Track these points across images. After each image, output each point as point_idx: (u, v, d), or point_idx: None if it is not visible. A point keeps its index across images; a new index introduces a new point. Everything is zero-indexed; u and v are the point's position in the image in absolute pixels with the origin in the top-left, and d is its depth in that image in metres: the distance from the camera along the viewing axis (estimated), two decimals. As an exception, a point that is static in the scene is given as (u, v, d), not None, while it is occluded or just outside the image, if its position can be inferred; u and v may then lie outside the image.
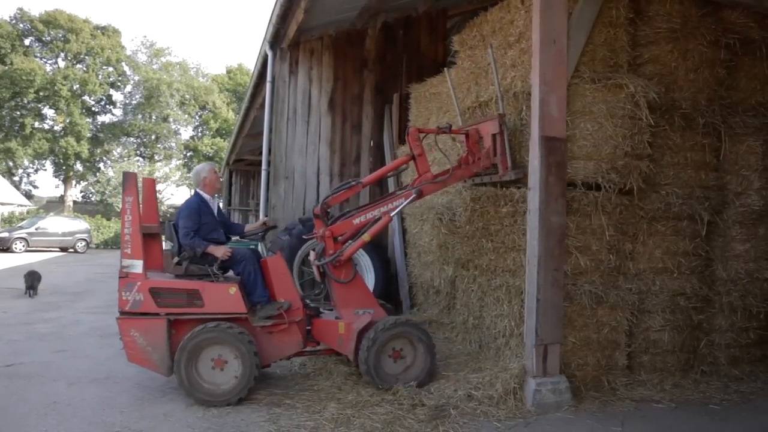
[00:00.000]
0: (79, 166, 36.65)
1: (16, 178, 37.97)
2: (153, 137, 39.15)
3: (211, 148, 39.61)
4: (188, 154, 40.39)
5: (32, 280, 9.93)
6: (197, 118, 41.23)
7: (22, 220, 26.05)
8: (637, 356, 4.82)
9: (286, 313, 4.52)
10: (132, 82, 39.09)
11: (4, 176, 34.82)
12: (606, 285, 4.65)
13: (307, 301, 5.13)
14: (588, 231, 4.63)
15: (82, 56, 35.94)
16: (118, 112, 39.11)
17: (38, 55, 35.21)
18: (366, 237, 4.63)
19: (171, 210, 31.26)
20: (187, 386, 4.22)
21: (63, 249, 23.14)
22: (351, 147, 8.71)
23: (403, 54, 8.95)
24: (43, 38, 35.18)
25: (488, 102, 5.34)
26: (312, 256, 4.89)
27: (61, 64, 36.02)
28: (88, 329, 7.04)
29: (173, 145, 40.33)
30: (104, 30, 37.20)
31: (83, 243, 23.50)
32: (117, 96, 39.82)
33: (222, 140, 39.10)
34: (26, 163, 36.78)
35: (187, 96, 39.06)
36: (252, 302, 4.54)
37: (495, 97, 5.07)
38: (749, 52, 5.21)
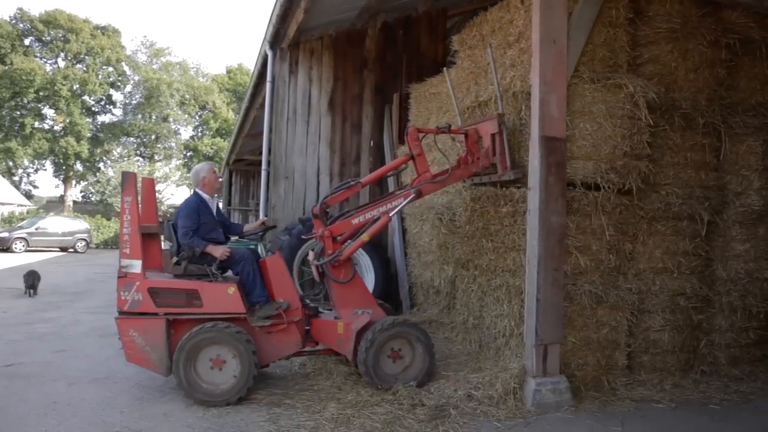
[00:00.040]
0: (79, 166, 36.67)
1: (16, 178, 37.99)
2: (153, 137, 39.16)
3: (211, 148, 39.61)
4: (188, 154, 40.41)
5: (32, 279, 9.94)
6: (197, 118, 41.25)
7: (22, 220, 26.06)
8: (637, 356, 4.82)
9: (284, 313, 4.53)
10: (132, 82, 39.15)
11: (4, 176, 34.84)
12: (606, 285, 4.65)
13: (307, 301, 5.13)
14: (588, 231, 4.63)
15: (82, 56, 35.96)
16: (118, 112, 39.22)
17: (38, 55, 35.22)
18: (365, 237, 4.63)
19: (171, 210, 31.24)
20: (186, 387, 4.22)
21: (63, 249, 23.15)
22: (351, 147, 8.70)
23: (403, 54, 8.95)
24: (43, 38, 35.19)
25: (487, 102, 5.34)
26: (311, 256, 4.89)
27: (61, 64, 36.05)
28: (88, 329, 7.04)
29: (173, 145, 40.36)
30: (104, 30, 37.21)
31: (83, 243, 23.51)
32: (117, 96, 39.92)
33: (222, 140, 39.11)
34: (26, 163, 36.80)
35: (187, 96, 39.08)
36: (251, 302, 4.54)
37: (494, 97, 5.07)
38: (749, 52, 5.21)
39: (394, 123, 8.57)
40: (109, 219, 29.77)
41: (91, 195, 39.60)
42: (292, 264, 7.08)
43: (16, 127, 33.52)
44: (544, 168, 4.31)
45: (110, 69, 37.21)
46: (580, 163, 4.53)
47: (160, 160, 40.30)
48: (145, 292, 4.25)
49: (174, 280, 4.44)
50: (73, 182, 37.91)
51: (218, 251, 4.56)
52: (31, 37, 35.37)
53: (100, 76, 36.30)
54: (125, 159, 38.40)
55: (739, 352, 5.18)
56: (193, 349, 4.22)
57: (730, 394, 4.69)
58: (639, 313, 4.76)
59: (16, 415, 4.01)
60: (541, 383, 4.26)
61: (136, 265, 4.28)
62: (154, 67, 39.95)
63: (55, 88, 33.29)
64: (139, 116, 38.30)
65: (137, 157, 39.55)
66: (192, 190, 5.06)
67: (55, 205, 36.78)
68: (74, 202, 37.65)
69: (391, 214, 4.72)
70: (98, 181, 38.01)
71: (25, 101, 33.48)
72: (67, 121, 34.38)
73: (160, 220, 5.28)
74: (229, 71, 44.20)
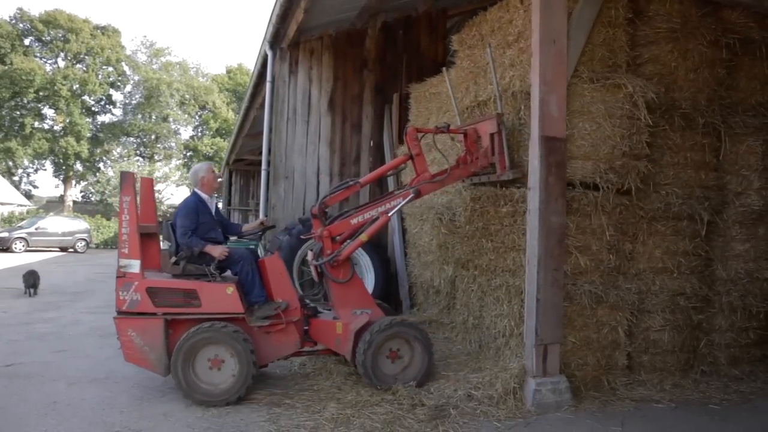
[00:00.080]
0: (78, 166, 36.66)
1: (16, 178, 37.99)
2: (153, 137, 39.16)
3: (211, 148, 39.61)
4: (188, 154, 40.40)
5: (32, 279, 9.94)
6: (197, 118, 41.25)
7: (22, 220, 26.08)
8: (637, 356, 4.82)
9: (283, 313, 4.52)
10: (132, 82, 39.13)
11: (4, 176, 34.84)
12: (606, 285, 4.65)
13: (308, 301, 5.12)
14: (588, 231, 4.63)
15: (82, 56, 35.94)
16: (117, 112, 39.20)
17: (38, 55, 35.21)
18: (364, 237, 4.63)
19: (171, 210, 31.24)
20: (185, 388, 4.22)
21: (63, 249, 23.16)
22: (351, 147, 8.70)
23: (403, 54, 8.95)
24: (43, 38, 35.18)
25: (487, 101, 5.34)
26: (310, 256, 4.89)
27: (61, 64, 36.04)
28: (87, 329, 7.04)
29: (173, 145, 40.35)
30: (104, 30, 37.20)
31: (83, 243, 23.52)
32: (117, 96, 39.90)
33: (222, 140, 39.11)
34: (26, 163, 36.80)
35: (187, 96, 39.07)
36: (249, 302, 4.54)
37: (493, 97, 5.06)
38: (749, 52, 5.21)
39: (394, 123, 8.57)
40: (109, 219, 29.77)
41: (91, 195, 39.63)
42: (291, 264, 7.07)
43: (16, 127, 33.51)
44: (544, 168, 4.31)
45: (110, 69, 37.20)
46: (578, 163, 4.53)
47: (160, 160, 40.31)
48: (143, 292, 4.25)
49: (172, 280, 4.44)
50: (73, 182, 37.91)
51: (217, 251, 4.56)
52: (31, 37, 35.36)
53: (100, 76, 36.29)
54: (125, 159, 38.40)
55: (739, 352, 5.18)
56: (190, 350, 4.22)
57: (730, 394, 4.69)
58: (639, 313, 4.76)
59: (16, 415, 4.02)
60: (541, 383, 4.26)
61: (135, 265, 4.28)
62: (154, 67, 39.94)
63: (55, 88, 33.28)
64: (139, 116, 38.30)
65: (137, 157, 39.56)
66: (191, 190, 5.06)
67: (55, 205, 36.79)
68: (74, 202, 37.66)
69: (389, 214, 4.71)
70: (98, 181, 38.03)
71: (25, 101, 33.47)
72: (67, 121, 34.37)
73: (160, 219, 5.28)
74: (229, 71, 44.19)
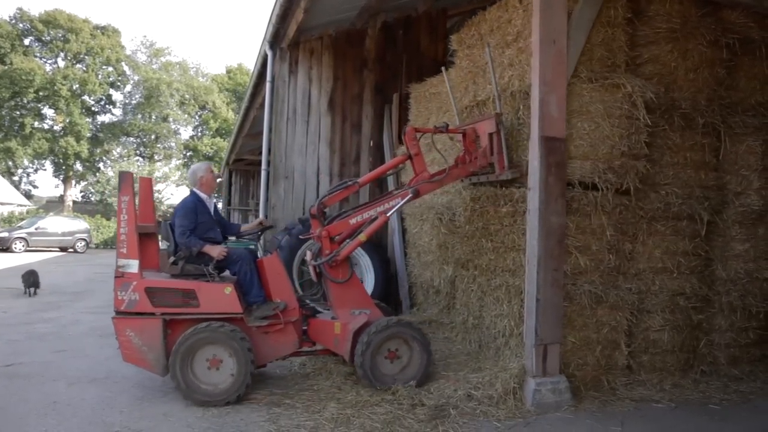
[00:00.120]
0: (78, 166, 36.65)
1: (16, 178, 37.98)
2: (153, 137, 39.15)
3: (211, 148, 39.60)
4: (188, 154, 40.38)
5: (32, 279, 9.95)
6: (197, 117, 41.23)
7: (22, 219, 26.08)
8: (636, 356, 4.82)
9: (281, 313, 4.52)
10: (132, 81, 39.12)
11: (3, 176, 34.83)
12: (606, 285, 4.65)
13: (308, 301, 5.12)
14: (588, 231, 4.63)
15: (81, 56, 35.93)
16: (117, 111, 39.18)
17: (38, 54, 35.19)
18: (362, 237, 4.64)
19: (170, 210, 31.23)
20: (184, 388, 4.22)
21: (63, 249, 23.16)
22: (351, 147, 8.70)
23: (403, 54, 8.94)
24: (43, 38, 35.16)
25: (485, 101, 5.34)
26: (308, 256, 4.89)
27: (61, 63, 36.03)
28: (87, 329, 7.04)
29: (173, 144, 40.34)
30: (104, 30, 37.19)
31: (83, 243, 23.53)
32: (117, 96, 39.87)
33: (222, 140, 39.09)
34: (26, 162, 36.79)
35: (187, 96, 39.06)
36: (248, 302, 4.55)
37: (492, 97, 5.06)
38: (749, 52, 5.21)
39: (394, 123, 8.57)
40: (108, 219, 29.77)
41: (90, 195, 39.62)
42: (291, 264, 7.07)
43: (16, 127, 33.50)
44: (544, 168, 4.31)
45: (110, 69, 37.18)
46: (577, 162, 4.53)
47: (159, 160, 40.31)
48: (142, 292, 4.25)
49: (171, 280, 4.44)
50: (73, 182, 37.91)
51: (215, 251, 4.56)
52: (30, 37, 35.34)
53: (99, 76, 36.28)
54: (125, 159, 38.40)
55: (738, 351, 5.18)
56: (188, 351, 4.22)
57: (729, 394, 4.69)
58: (639, 312, 4.76)
59: (16, 415, 4.02)
60: (541, 383, 4.26)
61: (133, 265, 4.28)
62: (154, 67, 39.93)
63: (55, 88, 33.27)
64: (139, 116, 38.29)
65: (137, 157, 39.56)
66: (190, 190, 5.06)
67: (55, 205, 36.78)
68: (74, 202, 37.65)
69: (388, 214, 4.71)
70: (98, 181, 38.02)
71: (25, 101, 33.45)
72: (67, 121, 34.36)
73: (159, 219, 5.28)
74: (228, 71, 44.18)
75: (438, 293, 6.73)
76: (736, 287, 5.13)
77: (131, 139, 39.15)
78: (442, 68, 6.28)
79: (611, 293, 4.62)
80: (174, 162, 40.59)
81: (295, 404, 4.22)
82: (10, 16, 35.32)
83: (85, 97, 35.96)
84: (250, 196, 22.98)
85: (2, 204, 30.52)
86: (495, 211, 5.12)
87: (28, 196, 37.72)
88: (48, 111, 35.44)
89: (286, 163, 8.31)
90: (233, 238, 5.47)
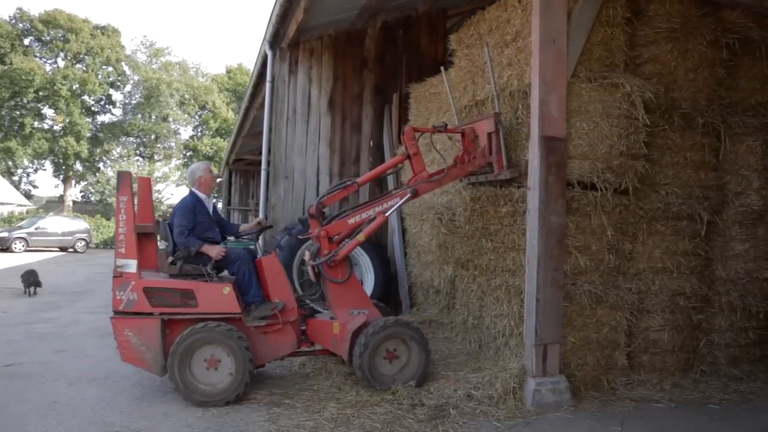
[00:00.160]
0: (78, 166, 36.65)
1: (16, 178, 37.97)
2: (153, 137, 39.14)
3: (211, 148, 39.60)
4: (188, 154, 40.38)
5: (32, 278, 9.94)
6: (197, 117, 41.23)
7: (22, 219, 26.08)
8: (636, 356, 4.82)
9: (280, 313, 4.52)
10: (132, 81, 39.11)
11: (3, 176, 34.83)
12: (606, 285, 4.65)
13: (307, 301, 5.12)
14: (588, 231, 4.63)
15: (81, 56, 35.92)
16: (117, 111, 39.17)
17: (38, 54, 35.18)
18: (361, 237, 4.64)
19: (170, 210, 31.20)
20: (183, 390, 4.22)
21: (62, 249, 23.16)
22: (351, 147, 8.70)
23: (403, 54, 8.94)
24: (43, 38, 35.15)
25: (484, 101, 5.34)
26: (307, 256, 4.89)
27: (61, 63, 36.02)
28: (87, 329, 7.04)
29: (173, 144, 40.33)
30: (104, 30, 37.17)
31: (83, 243, 23.52)
32: (117, 96, 39.86)
33: (222, 140, 39.09)
34: (26, 162, 36.78)
35: (187, 96, 39.05)
36: (246, 302, 4.54)
37: (491, 96, 5.06)
38: (749, 52, 5.21)
39: (394, 123, 8.57)
40: (108, 219, 29.76)
41: (90, 195, 39.61)
42: (291, 264, 7.07)
43: (16, 127, 33.49)
44: (544, 168, 4.31)
45: (110, 69, 37.17)
46: (576, 162, 4.52)
47: (159, 160, 40.30)
48: (140, 292, 4.25)
49: (169, 280, 4.44)
50: (73, 182, 37.90)
51: (213, 251, 4.56)
52: (30, 37, 35.32)
53: (99, 76, 36.27)
54: (125, 159, 38.39)
55: (738, 351, 5.18)
56: (185, 352, 4.22)
57: (729, 394, 4.69)
58: (638, 312, 4.76)
59: (16, 415, 4.02)
60: (541, 383, 4.26)
61: (132, 265, 4.28)
62: (154, 66, 39.92)
63: (55, 87, 33.26)
64: (139, 116, 38.28)
65: (137, 157, 39.55)
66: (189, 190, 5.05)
67: (55, 205, 36.78)
68: (74, 202, 37.64)
69: (387, 214, 4.71)
70: (98, 181, 38.01)
71: (25, 101, 33.45)
72: (67, 121, 34.36)
73: (159, 219, 5.27)
74: (228, 71, 44.18)
75: (438, 293, 6.73)
76: (736, 287, 5.13)
77: (131, 139, 39.14)
78: (441, 68, 6.29)
79: (611, 293, 4.62)
80: (174, 162, 40.62)
81: (295, 404, 4.22)
82: (10, 16, 35.36)
83: (85, 97, 35.96)
84: (250, 196, 22.99)
85: (2, 204, 30.53)
86: (495, 211, 5.11)
87: (28, 196, 37.72)
88: (48, 111, 35.47)
89: (286, 163, 8.31)
90: (232, 238, 5.47)
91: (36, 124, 34.68)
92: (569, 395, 4.33)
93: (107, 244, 26.79)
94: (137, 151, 39.95)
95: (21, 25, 34.77)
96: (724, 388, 4.79)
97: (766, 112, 5.30)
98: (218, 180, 5.28)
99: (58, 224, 23.58)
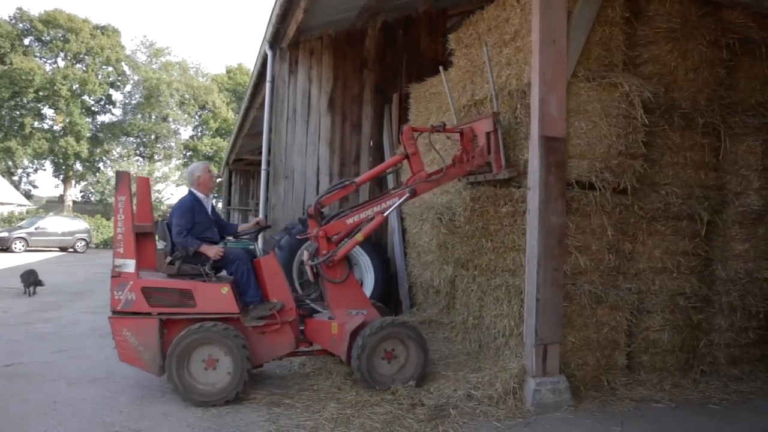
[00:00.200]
0: (78, 166, 36.63)
1: (16, 178, 37.97)
2: (153, 137, 39.12)
3: (211, 148, 39.59)
4: (188, 154, 40.37)
5: (32, 278, 9.94)
6: (197, 117, 41.22)
7: (22, 219, 26.07)
8: (636, 356, 4.82)
9: (278, 313, 4.52)
10: (132, 81, 39.08)
11: (3, 176, 34.82)
12: (606, 285, 4.65)
13: (307, 301, 5.11)
14: (588, 231, 4.63)
15: (81, 56, 35.90)
16: (117, 111, 39.14)
17: (38, 54, 35.16)
18: (359, 237, 4.64)
19: (170, 210, 31.19)
20: (182, 391, 4.22)
21: (62, 249, 23.15)
22: (351, 147, 8.70)
23: (403, 54, 8.95)
24: (43, 38, 35.13)
25: (483, 100, 5.34)
26: (305, 256, 4.89)
27: (61, 63, 36.00)
28: (87, 329, 7.04)
29: (173, 144, 40.32)
30: (104, 30, 37.16)
31: (83, 243, 23.52)
32: (117, 96, 39.84)
33: (222, 140, 39.08)
34: (26, 162, 36.77)
35: (187, 96, 39.04)
36: (245, 302, 4.54)
37: (490, 96, 5.06)
38: (749, 52, 5.21)
39: (394, 123, 8.57)
40: (108, 219, 29.72)
41: (90, 195, 39.61)
42: (291, 264, 7.07)
43: (16, 127, 33.48)
44: (544, 168, 4.31)
45: (110, 69, 37.15)
46: (574, 162, 4.52)
47: (159, 160, 40.29)
48: (138, 292, 4.25)
49: (167, 280, 4.43)
50: (73, 182, 37.90)
51: (212, 251, 4.55)
52: (30, 37, 35.30)
53: (99, 76, 36.25)
54: (125, 159, 38.38)
55: (738, 351, 5.18)
56: (183, 353, 4.22)
57: (729, 394, 4.69)
58: (638, 312, 4.76)
59: (16, 415, 4.02)
60: (541, 383, 4.26)
61: (130, 265, 4.27)
62: (154, 66, 39.91)
63: (55, 87, 33.25)
64: (139, 116, 38.26)
65: (137, 157, 39.54)
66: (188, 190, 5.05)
67: (55, 205, 36.77)
68: (74, 201, 37.63)
69: (385, 214, 4.71)
70: (98, 181, 38.01)
71: (25, 101, 33.43)
72: (67, 120, 34.34)
73: (158, 219, 5.26)
74: (228, 71, 44.17)
75: (438, 293, 6.73)
76: (736, 287, 5.13)
77: (131, 139, 39.12)
78: (440, 68, 6.29)
79: (611, 293, 4.62)
80: (174, 162, 40.60)
81: (294, 404, 4.22)
82: (10, 16, 35.33)
83: (85, 97, 35.94)
84: (250, 196, 22.99)
85: (2, 204, 30.52)
86: (495, 211, 5.11)
87: (27, 196, 37.72)
88: (48, 111, 35.45)
89: (286, 163, 8.31)
90: (231, 238, 5.47)
91: (36, 124, 34.66)
92: (569, 395, 4.33)
93: (107, 244, 26.75)
94: (137, 151, 39.95)
95: (21, 25, 34.76)
96: (724, 388, 4.79)
97: (766, 112, 5.30)
98: (217, 180, 5.27)
99: (58, 224, 23.57)
